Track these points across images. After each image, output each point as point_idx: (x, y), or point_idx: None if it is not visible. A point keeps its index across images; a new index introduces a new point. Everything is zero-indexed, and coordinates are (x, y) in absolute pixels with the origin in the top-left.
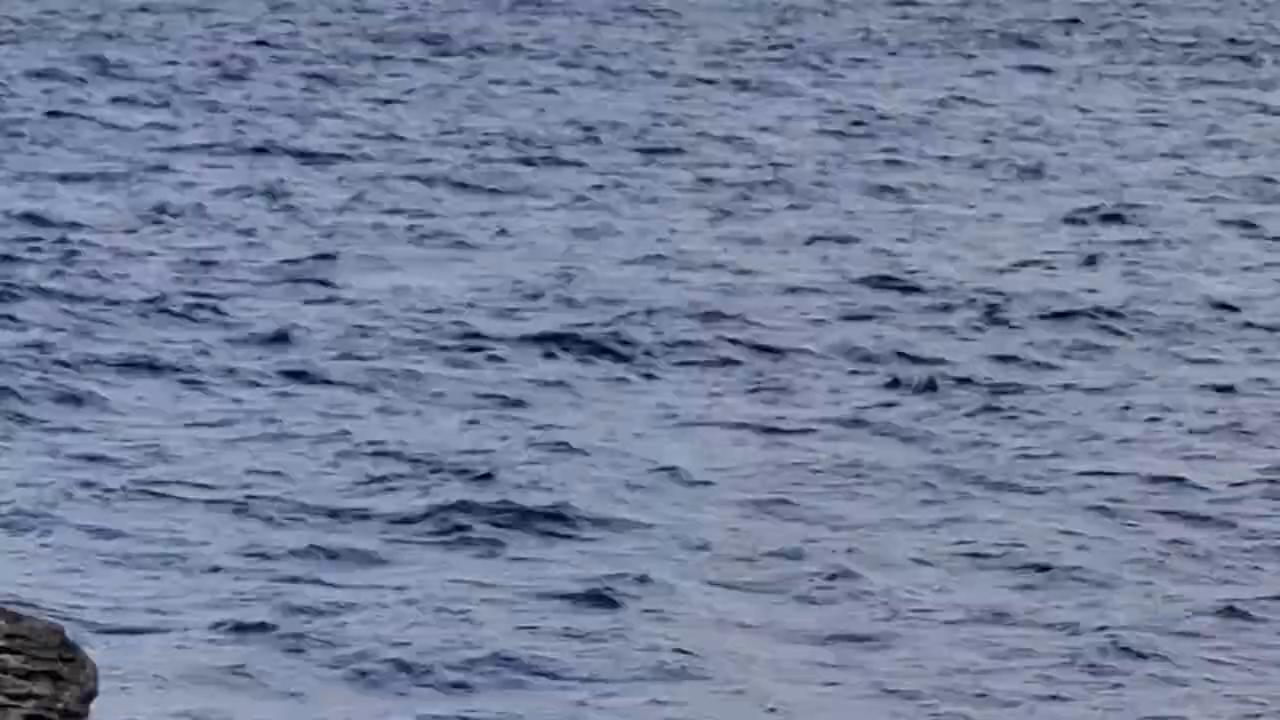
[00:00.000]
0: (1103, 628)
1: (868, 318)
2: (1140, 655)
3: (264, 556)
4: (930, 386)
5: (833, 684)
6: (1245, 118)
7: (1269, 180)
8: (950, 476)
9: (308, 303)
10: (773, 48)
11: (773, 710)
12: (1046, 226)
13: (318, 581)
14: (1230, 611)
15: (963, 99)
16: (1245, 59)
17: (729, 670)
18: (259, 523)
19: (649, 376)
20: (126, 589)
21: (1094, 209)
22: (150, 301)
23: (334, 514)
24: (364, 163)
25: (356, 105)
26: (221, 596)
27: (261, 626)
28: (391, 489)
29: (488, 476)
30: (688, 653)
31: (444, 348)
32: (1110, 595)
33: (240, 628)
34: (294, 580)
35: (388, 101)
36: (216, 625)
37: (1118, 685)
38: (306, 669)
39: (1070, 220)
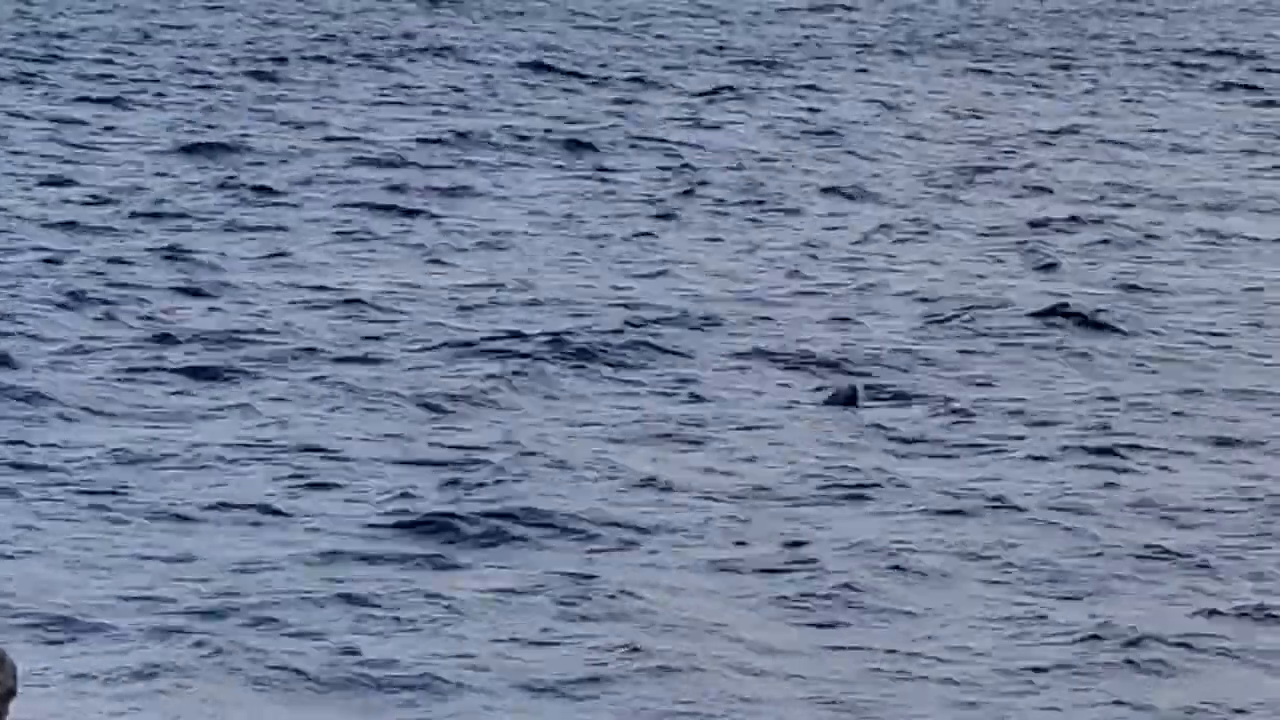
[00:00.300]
0: (1076, 630)
1: (825, 322)
2: (1115, 656)
3: (209, 560)
4: (851, 399)
5: (799, 681)
6: (1193, 122)
7: (1221, 185)
8: (917, 480)
9: (263, 300)
10: (716, 51)
11: (740, 709)
12: (1003, 232)
13: (267, 585)
14: (1211, 614)
15: (912, 104)
16: (1182, 65)
17: (696, 671)
18: (207, 525)
19: (603, 379)
20: (60, 590)
21: (1048, 215)
22: (98, 298)
23: (282, 516)
24: (319, 164)
25: (312, 107)
26: (159, 600)
27: (206, 631)
28: (343, 491)
29: (452, 481)
30: (648, 653)
31: (397, 349)
32: (1082, 596)
33: (177, 631)
34: (241, 583)
35: (339, 103)
36: (152, 629)
37: (1099, 686)
38: (250, 674)
39: (1029, 225)
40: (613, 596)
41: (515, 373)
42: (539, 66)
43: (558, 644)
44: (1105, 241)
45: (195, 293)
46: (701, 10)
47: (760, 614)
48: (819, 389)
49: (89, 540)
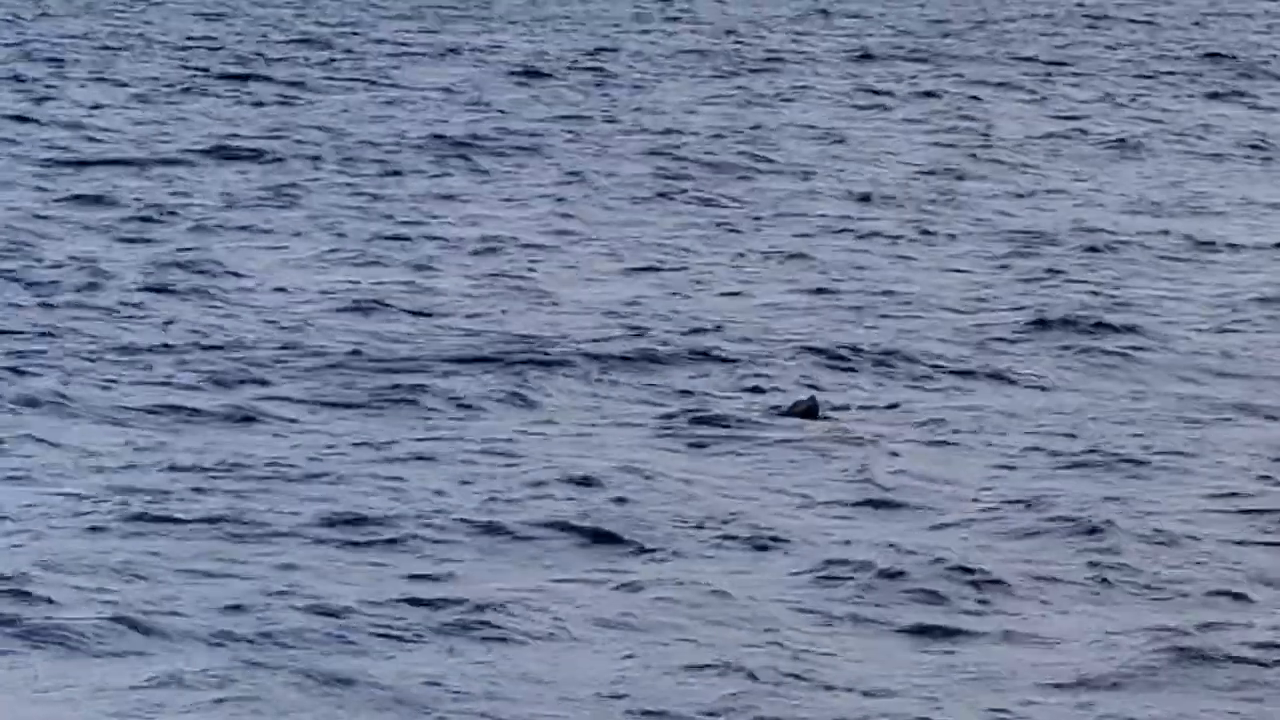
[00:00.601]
0: (1087, 639)
1: (814, 326)
2: (1107, 666)
3: (215, 569)
4: (811, 410)
5: (755, 695)
6: (1182, 127)
7: (1210, 189)
8: (901, 489)
9: (260, 304)
10: (697, 57)
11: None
12: (992, 237)
13: (287, 593)
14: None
15: (901, 108)
16: (1171, 71)
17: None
18: (212, 529)
19: (595, 383)
20: (87, 600)
21: (1038, 220)
22: (103, 305)
23: (297, 522)
24: (309, 167)
25: (299, 110)
26: (98, 611)
27: (234, 639)
28: (356, 496)
29: (465, 486)
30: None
31: (399, 353)
32: (1045, 614)
33: (209, 640)
34: (257, 593)
35: (327, 105)
36: (181, 637)
37: (1093, 698)
38: (278, 684)
39: (1019, 230)
40: (581, 612)
41: (511, 376)
42: (523, 70)
43: (577, 648)
44: (1095, 247)
45: (181, 296)
46: (680, 14)
47: (788, 617)
48: (787, 399)
49: (114, 549)
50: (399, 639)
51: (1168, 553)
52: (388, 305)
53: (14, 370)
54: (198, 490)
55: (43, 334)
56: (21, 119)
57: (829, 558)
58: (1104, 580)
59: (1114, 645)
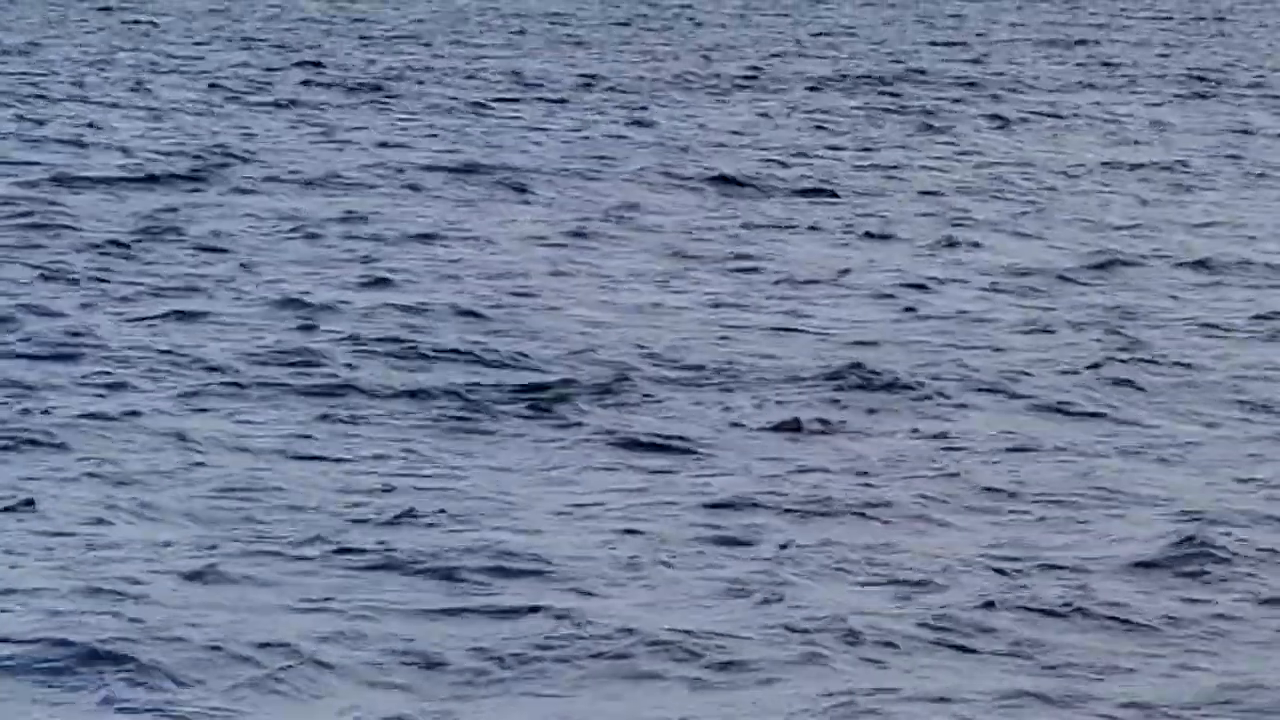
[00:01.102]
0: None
1: (807, 352)
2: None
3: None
4: (796, 428)
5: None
6: (1208, 150)
7: (1241, 216)
8: (894, 503)
9: (269, 327)
10: (701, 79)
11: None
12: (1005, 266)
13: (194, 620)
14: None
15: (913, 132)
16: (1202, 94)
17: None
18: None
19: (589, 409)
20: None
21: (1053, 247)
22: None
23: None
24: (314, 192)
25: (305, 132)
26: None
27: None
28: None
29: (399, 519)
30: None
31: (413, 377)
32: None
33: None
34: (165, 620)
35: (336, 130)
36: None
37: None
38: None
39: (1034, 257)
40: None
41: (538, 399)
42: (533, 93)
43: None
44: (1112, 269)
45: (144, 319)
46: (669, 41)
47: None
48: (781, 417)
49: (182, 572)
50: (484, 661)
51: (1241, 582)
52: (419, 328)
53: (61, 390)
54: (261, 514)
55: (106, 356)
56: (37, 136)
57: (895, 577)
58: (1164, 607)
59: (1188, 673)
